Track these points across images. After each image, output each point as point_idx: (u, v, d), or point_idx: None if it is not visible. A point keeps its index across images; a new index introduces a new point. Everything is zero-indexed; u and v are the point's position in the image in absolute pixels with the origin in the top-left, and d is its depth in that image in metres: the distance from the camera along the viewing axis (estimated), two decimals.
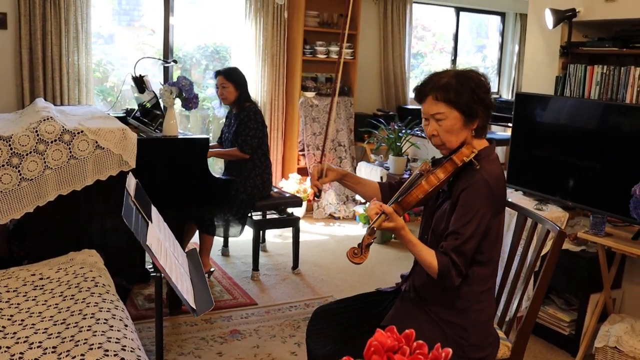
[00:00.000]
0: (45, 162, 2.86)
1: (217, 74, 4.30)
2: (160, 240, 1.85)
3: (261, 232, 4.78)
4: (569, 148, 3.52)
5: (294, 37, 5.85)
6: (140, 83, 3.83)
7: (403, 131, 5.27)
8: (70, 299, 2.39)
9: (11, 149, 2.79)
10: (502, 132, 6.82)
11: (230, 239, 4.73)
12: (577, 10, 3.58)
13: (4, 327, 2.18)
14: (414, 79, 7.47)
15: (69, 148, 2.90)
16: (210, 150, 3.90)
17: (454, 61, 7.55)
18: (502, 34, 7.83)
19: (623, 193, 3.04)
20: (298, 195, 5.04)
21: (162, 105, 3.60)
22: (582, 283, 3.32)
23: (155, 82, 4.37)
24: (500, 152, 6.22)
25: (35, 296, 2.45)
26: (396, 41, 6.55)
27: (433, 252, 1.97)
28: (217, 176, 3.59)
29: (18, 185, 2.82)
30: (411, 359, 0.92)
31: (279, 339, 3.34)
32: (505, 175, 2.91)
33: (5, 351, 2.02)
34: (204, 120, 6.37)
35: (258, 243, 4.25)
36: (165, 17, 5.48)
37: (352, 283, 4.27)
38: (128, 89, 5.14)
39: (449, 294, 2.07)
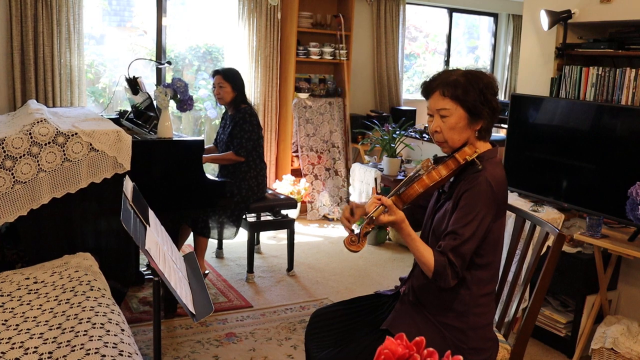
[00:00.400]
0: (39, 165, 2.83)
1: (216, 73, 4.28)
2: (158, 244, 1.83)
3: (255, 234, 4.76)
4: (564, 149, 3.52)
5: (287, 38, 5.83)
6: (134, 85, 3.79)
7: (397, 132, 5.26)
8: (66, 303, 2.37)
9: (4, 151, 2.76)
10: (496, 133, 6.84)
11: (224, 241, 4.70)
12: (572, 12, 3.59)
13: None
14: (407, 80, 7.47)
15: (63, 150, 2.87)
16: (205, 156, 3.87)
17: (447, 62, 7.55)
18: (495, 35, 7.85)
19: (618, 194, 3.05)
20: (292, 196, 5.03)
21: (155, 107, 3.57)
22: (578, 285, 3.33)
23: (148, 83, 4.34)
24: None
25: (30, 300, 2.42)
26: (389, 42, 6.54)
27: (431, 250, 1.97)
28: (212, 178, 3.57)
29: (12, 188, 2.78)
30: None
31: (275, 342, 3.32)
32: None
33: (0, 357, 2.00)
34: (196, 121, 6.34)
35: (253, 245, 4.23)
36: (157, 18, 5.45)
37: (348, 285, 4.25)
38: (120, 90, 5.10)
39: (448, 297, 2.06)
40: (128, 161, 3.00)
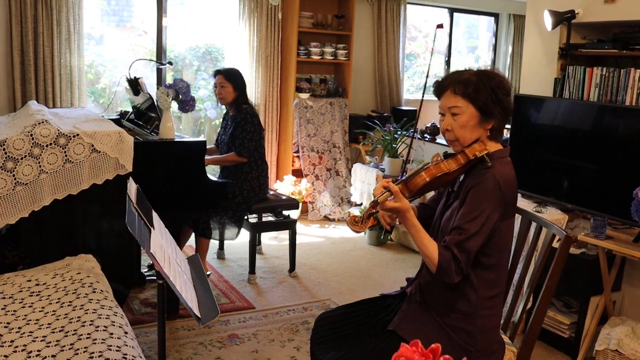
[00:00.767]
0: (40, 166, 2.81)
1: (217, 72, 4.25)
2: (162, 247, 1.81)
3: (257, 234, 4.74)
4: (567, 150, 3.51)
5: (288, 38, 5.81)
6: (135, 85, 3.78)
7: (399, 132, 5.25)
8: (68, 305, 2.35)
9: (5, 153, 2.74)
10: None
11: (225, 242, 4.68)
12: (576, 12, 3.57)
13: (0, 335, 2.13)
14: (407, 80, 7.45)
15: (65, 152, 2.85)
16: (207, 158, 3.85)
17: (447, 62, 7.54)
18: (496, 35, 7.84)
19: (622, 195, 3.04)
20: (293, 197, 5.01)
21: (157, 108, 3.55)
22: (582, 286, 3.31)
23: (148, 83, 4.32)
24: None
25: (32, 303, 2.40)
26: (390, 42, 6.52)
27: (435, 244, 1.95)
28: (213, 179, 3.55)
29: (13, 189, 2.76)
30: None
31: (277, 344, 3.31)
32: None
33: None
34: (195, 121, 6.32)
35: (255, 246, 4.21)
36: (158, 18, 5.42)
37: (350, 286, 4.24)
38: (120, 90, 5.08)
39: (454, 297, 2.04)
40: (130, 162, 2.98)
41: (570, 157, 3.50)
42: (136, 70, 3.94)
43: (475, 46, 8.27)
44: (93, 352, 1.95)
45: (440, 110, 2.07)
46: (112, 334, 2.12)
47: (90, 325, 2.15)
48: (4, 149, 2.73)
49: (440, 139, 5.70)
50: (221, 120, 4.52)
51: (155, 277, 4.02)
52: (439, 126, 5.68)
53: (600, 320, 3.29)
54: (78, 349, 1.99)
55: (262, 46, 5.67)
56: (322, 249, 5.02)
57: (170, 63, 4.40)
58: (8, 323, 2.23)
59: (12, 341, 2.09)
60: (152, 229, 1.78)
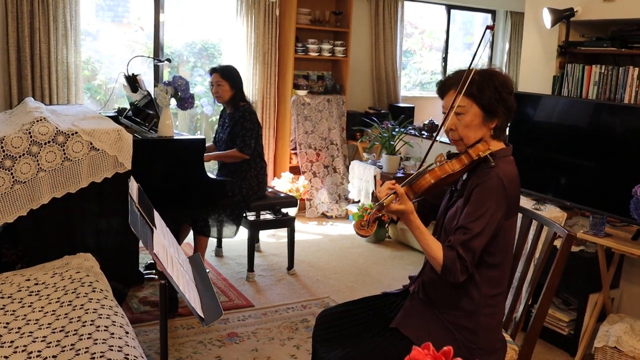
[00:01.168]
0: (38, 164, 2.79)
1: (213, 71, 4.22)
2: (165, 246, 1.80)
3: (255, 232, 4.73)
4: (566, 148, 3.52)
5: (285, 35, 5.79)
6: (133, 82, 3.75)
7: (396, 130, 5.25)
8: (68, 305, 2.34)
9: (3, 151, 2.71)
10: None
11: (223, 240, 4.67)
12: (575, 10, 3.57)
13: (0, 335, 2.12)
14: (404, 76, 7.45)
15: (63, 150, 2.83)
16: (207, 154, 3.83)
17: (444, 59, 7.54)
18: (493, 32, 7.83)
19: (621, 193, 3.05)
20: (291, 194, 5.00)
21: (155, 105, 3.53)
22: (581, 283, 3.32)
23: (145, 80, 4.29)
24: None
25: (31, 302, 2.39)
26: (387, 39, 6.51)
27: (440, 245, 1.95)
28: (213, 177, 3.53)
29: (11, 188, 2.74)
30: None
31: (277, 342, 3.30)
32: None
33: None
34: (192, 118, 6.29)
35: (253, 244, 4.20)
36: (155, 15, 5.40)
37: (348, 283, 4.24)
38: (116, 87, 5.06)
39: (458, 295, 2.04)
40: (129, 160, 2.97)
41: (569, 154, 3.50)
42: (133, 67, 3.91)
43: (471, 42, 8.27)
44: (95, 353, 1.94)
45: (444, 109, 2.07)
46: (113, 334, 2.10)
47: (91, 325, 2.14)
48: (1, 147, 2.71)
49: (439, 137, 5.69)
50: (218, 117, 4.49)
51: (153, 276, 4.03)
52: (437, 123, 5.70)
53: (598, 317, 3.30)
54: (79, 350, 1.98)
55: (259, 43, 5.65)
56: (320, 247, 5.02)
57: (169, 60, 4.38)
58: (7, 323, 2.22)
59: (12, 341, 2.08)
60: (154, 228, 1.77)
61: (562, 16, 3.60)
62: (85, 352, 1.96)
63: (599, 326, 3.24)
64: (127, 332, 2.18)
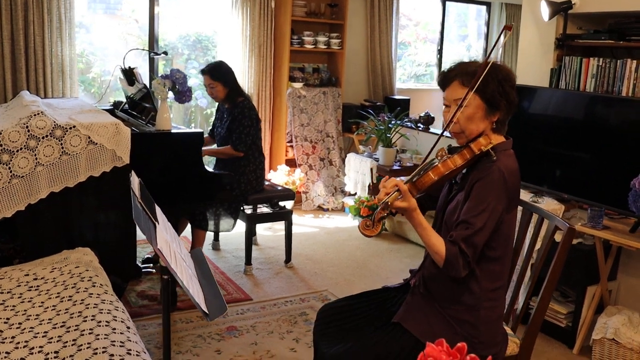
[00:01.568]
0: (36, 159, 2.77)
1: (203, 72, 4.16)
2: (167, 241, 1.79)
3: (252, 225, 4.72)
4: (564, 140, 3.52)
5: (281, 27, 5.76)
6: (129, 75, 3.73)
7: (393, 122, 5.24)
8: (68, 300, 2.32)
9: (1, 145, 2.70)
10: None
11: (220, 233, 4.66)
12: (572, 3, 3.57)
13: (1, 331, 2.11)
14: (399, 68, 7.43)
15: (61, 144, 2.81)
16: (203, 149, 3.81)
17: (440, 51, 7.53)
18: (488, 24, 7.83)
19: (619, 185, 3.06)
20: (287, 187, 4.99)
21: (152, 98, 3.51)
22: (579, 275, 3.34)
23: (140, 73, 4.25)
24: None
25: (31, 297, 2.38)
26: (383, 31, 6.50)
27: (442, 240, 1.95)
28: (211, 170, 3.52)
29: (8, 182, 2.73)
30: None
31: (276, 335, 3.31)
32: None
33: (5, 357, 1.95)
34: (186, 110, 6.26)
35: (251, 237, 4.20)
36: (150, 7, 5.36)
37: (346, 276, 4.24)
38: (111, 79, 5.02)
39: (459, 290, 2.04)
40: (127, 154, 2.95)
41: (567, 147, 3.51)
42: (127, 60, 3.88)
43: (466, 34, 8.26)
44: (97, 348, 1.93)
45: (446, 102, 2.06)
46: (114, 329, 2.10)
47: (92, 320, 2.13)
48: None
49: (435, 129, 5.70)
50: (214, 110, 4.46)
51: (150, 270, 4.01)
52: (433, 116, 5.69)
53: (596, 309, 3.32)
54: (81, 345, 1.97)
55: (255, 35, 5.62)
56: (317, 239, 5.02)
57: (166, 53, 4.35)
58: (8, 319, 2.21)
59: (12, 337, 2.07)
60: (157, 223, 1.76)
61: (560, 9, 3.60)
62: (87, 348, 1.95)
63: (597, 318, 3.26)
64: (128, 327, 2.17)
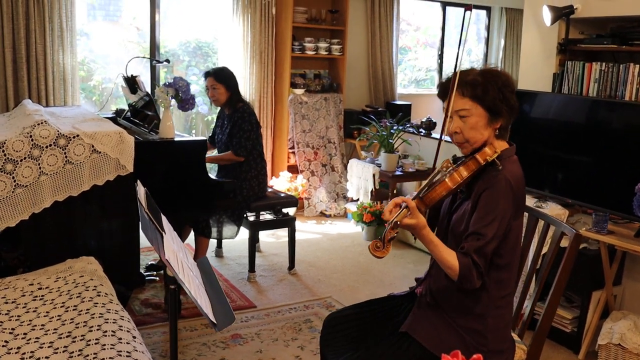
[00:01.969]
0: (40, 168, 2.77)
1: (207, 74, 4.18)
2: (175, 251, 1.79)
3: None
4: (568, 145, 3.52)
5: (282, 34, 5.77)
6: (132, 83, 3.73)
7: (395, 128, 5.24)
8: (73, 309, 2.31)
9: (5, 155, 2.69)
10: None
11: (223, 240, 4.65)
12: (574, 7, 3.57)
13: (6, 341, 2.10)
14: (400, 74, 7.44)
15: (65, 153, 2.81)
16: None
17: (440, 56, 7.54)
18: (488, 29, 7.84)
19: (623, 190, 3.05)
20: (290, 193, 4.99)
21: (155, 106, 3.51)
22: (584, 280, 3.33)
23: (142, 81, 4.25)
24: None
25: (36, 307, 2.37)
26: (384, 36, 6.51)
27: (454, 253, 1.93)
28: (214, 178, 3.52)
29: (12, 192, 2.72)
30: None
31: (281, 343, 3.29)
32: None
33: None
34: (187, 117, 6.27)
35: (254, 244, 4.19)
36: (151, 15, 5.37)
37: (350, 283, 4.23)
38: (112, 87, 5.02)
39: (467, 300, 2.03)
40: (131, 163, 2.95)
41: (571, 152, 3.50)
42: (128, 68, 3.88)
43: (465, 39, 8.25)
44: (103, 358, 1.93)
45: (445, 111, 2.05)
46: (120, 339, 2.09)
47: (97, 330, 2.12)
48: (3, 151, 2.69)
49: (437, 134, 5.70)
50: (214, 117, 4.46)
51: (154, 277, 4.00)
52: (435, 121, 5.69)
53: (601, 314, 3.31)
54: (87, 355, 1.96)
55: (256, 42, 5.63)
56: (320, 246, 5.01)
57: (168, 61, 4.36)
58: (13, 329, 2.20)
59: (18, 348, 2.06)
60: (164, 233, 1.75)
61: (562, 13, 3.60)
62: (94, 358, 1.94)
63: (602, 323, 3.25)
64: (134, 337, 2.16)
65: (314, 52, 5.87)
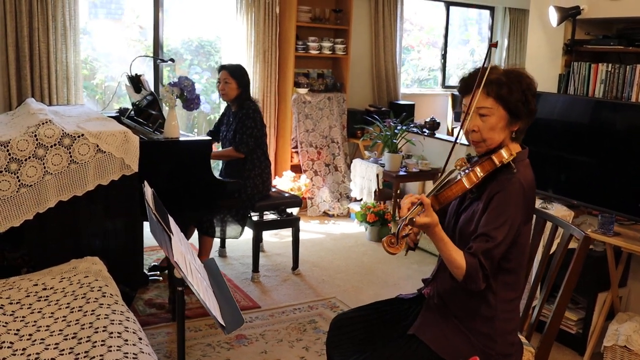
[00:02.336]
0: (44, 168, 2.76)
1: (222, 68, 4.20)
2: (182, 253, 1.77)
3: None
4: (574, 146, 3.50)
5: (285, 33, 5.76)
6: (136, 82, 3.72)
7: (398, 128, 5.22)
8: (79, 310, 2.30)
9: (9, 154, 2.68)
10: None
11: (226, 240, 4.64)
12: (581, 8, 3.55)
13: (12, 342, 2.09)
14: (403, 73, 7.43)
15: (69, 152, 2.80)
16: None
17: (444, 56, 7.52)
18: (491, 29, 7.82)
19: (629, 191, 3.04)
20: (294, 193, 4.98)
21: (160, 105, 3.50)
22: (589, 282, 3.31)
23: (147, 80, 4.24)
24: None
25: (41, 308, 2.35)
26: (387, 36, 6.49)
27: (462, 253, 1.90)
28: (219, 177, 3.51)
29: (17, 191, 2.71)
30: None
31: (286, 344, 3.28)
32: None
33: None
34: (189, 115, 6.25)
35: (258, 244, 4.18)
36: (155, 13, 5.35)
37: (354, 283, 4.22)
38: (115, 86, 5.01)
39: (475, 302, 2.02)
40: (136, 162, 2.94)
41: (576, 152, 3.49)
42: (132, 66, 3.87)
43: (467, 39, 8.25)
44: None
45: (465, 109, 2.01)
46: (126, 340, 2.08)
47: (103, 331, 2.11)
48: (7, 151, 2.68)
49: (440, 134, 5.69)
50: (221, 115, 4.44)
51: (157, 277, 3.99)
52: (438, 121, 5.67)
53: (607, 316, 3.29)
54: (94, 357, 1.95)
55: (259, 41, 5.62)
56: (324, 246, 5.00)
57: (172, 60, 4.34)
58: (18, 330, 2.19)
59: (24, 349, 2.05)
60: (172, 235, 1.74)
61: (568, 14, 3.58)
62: None
63: (608, 325, 3.24)
64: (140, 339, 2.15)
65: (317, 52, 5.86)
